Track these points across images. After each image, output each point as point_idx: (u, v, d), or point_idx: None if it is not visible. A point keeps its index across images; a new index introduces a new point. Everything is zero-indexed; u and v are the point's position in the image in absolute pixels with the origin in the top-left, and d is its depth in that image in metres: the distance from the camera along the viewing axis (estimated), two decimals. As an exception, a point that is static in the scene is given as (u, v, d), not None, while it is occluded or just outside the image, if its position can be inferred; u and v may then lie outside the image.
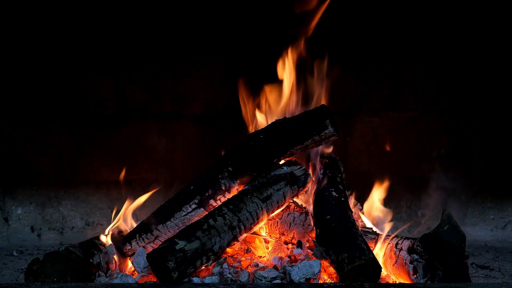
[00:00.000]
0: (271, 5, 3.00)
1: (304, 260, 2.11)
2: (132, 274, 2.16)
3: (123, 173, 2.75)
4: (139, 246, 2.24)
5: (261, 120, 2.53)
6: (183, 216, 2.26)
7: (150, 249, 2.18)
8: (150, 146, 3.17)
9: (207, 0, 3.07)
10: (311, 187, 2.39)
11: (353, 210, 2.32)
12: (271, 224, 2.39)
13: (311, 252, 2.17)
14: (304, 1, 2.60)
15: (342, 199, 2.24)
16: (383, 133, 3.18)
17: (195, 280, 1.94)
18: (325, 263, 2.05)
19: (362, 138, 3.19)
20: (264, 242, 2.33)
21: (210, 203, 2.28)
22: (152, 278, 2.03)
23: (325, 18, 2.97)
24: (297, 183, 2.31)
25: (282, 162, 2.37)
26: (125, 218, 2.44)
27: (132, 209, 2.46)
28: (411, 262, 1.97)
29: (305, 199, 2.47)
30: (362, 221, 2.45)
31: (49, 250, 2.28)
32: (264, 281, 1.95)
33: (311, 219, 2.28)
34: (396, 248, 2.09)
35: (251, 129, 2.57)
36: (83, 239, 2.35)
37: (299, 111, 2.49)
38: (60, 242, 3.13)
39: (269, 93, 2.55)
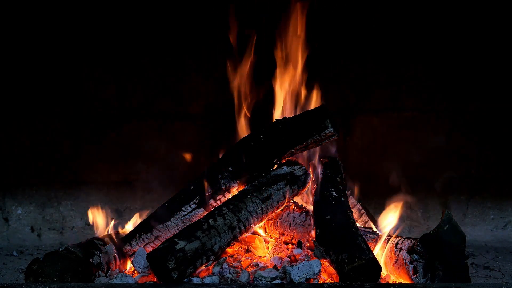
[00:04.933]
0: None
1: (304, 260, 2.11)
2: (132, 274, 2.16)
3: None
4: (139, 246, 2.24)
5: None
6: (183, 216, 2.26)
7: (150, 249, 2.18)
8: (150, 146, 3.17)
9: (208, 1, 3.07)
10: (311, 187, 2.39)
11: (353, 210, 2.32)
12: (271, 224, 2.39)
13: (311, 252, 2.18)
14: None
15: (342, 199, 2.24)
16: (383, 133, 3.18)
17: (195, 280, 1.95)
18: (325, 263, 2.05)
19: (362, 138, 3.19)
20: (264, 242, 2.33)
21: (210, 203, 2.28)
22: (152, 278, 2.03)
23: (325, 17, 2.98)
24: (297, 183, 2.31)
25: (282, 162, 2.37)
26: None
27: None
28: (411, 262, 1.97)
29: (305, 199, 2.47)
30: (362, 221, 2.45)
31: (49, 250, 2.27)
32: (264, 281, 1.95)
33: (311, 219, 2.28)
34: (396, 248, 2.09)
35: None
36: (83, 239, 2.35)
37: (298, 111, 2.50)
38: (60, 242, 3.13)
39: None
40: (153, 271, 1.97)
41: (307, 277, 1.94)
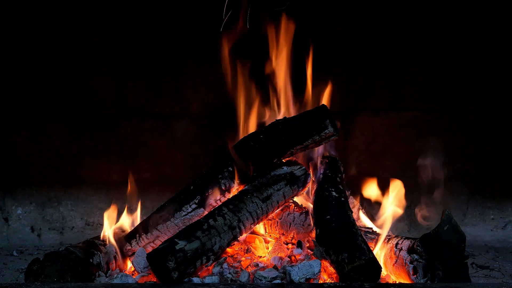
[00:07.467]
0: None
1: (304, 260, 2.11)
2: (132, 274, 2.16)
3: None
4: (139, 246, 2.24)
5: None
6: (183, 216, 2.26)
7: (150, 249, 2.18)
8: (150, 146, 3.16)
9: (208, 1, 3.07)
10: (311, 187, 2.39)
11: (353, 210, 2.32)
12: (271, 224, 2.39)
13: (311, 252, 2.18)
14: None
15: (342, 199, 2.24)
16: (383, 133, 3.18)
17: (195, 280, 1.95)
18: (325, 263, 2.05)
19: (362, 138, 3.18)
20: (264, 242, 2.33)
21: (210, 203, 2.28)
22: (152, 278, 2.03)
23: (324, 16, 2.98)
24: (297, 183, 2.31)
25: (282, 162, 2.37)
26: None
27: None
28: (411, 262, 1.97)
29: (305, 199, 2.47)
30: (362, 221, 2.45)
31: (49, 250, 2.27)
32: (264, 281, 1.95)
33: (311, 219, 2.28)
34: (396, 248, 2.09)
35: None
36: (83, 239, 2.35)
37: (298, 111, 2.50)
38: (60, 242, 3.13)
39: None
40: (153, 271, 1.97)
41: (307, 277, 1.94)
